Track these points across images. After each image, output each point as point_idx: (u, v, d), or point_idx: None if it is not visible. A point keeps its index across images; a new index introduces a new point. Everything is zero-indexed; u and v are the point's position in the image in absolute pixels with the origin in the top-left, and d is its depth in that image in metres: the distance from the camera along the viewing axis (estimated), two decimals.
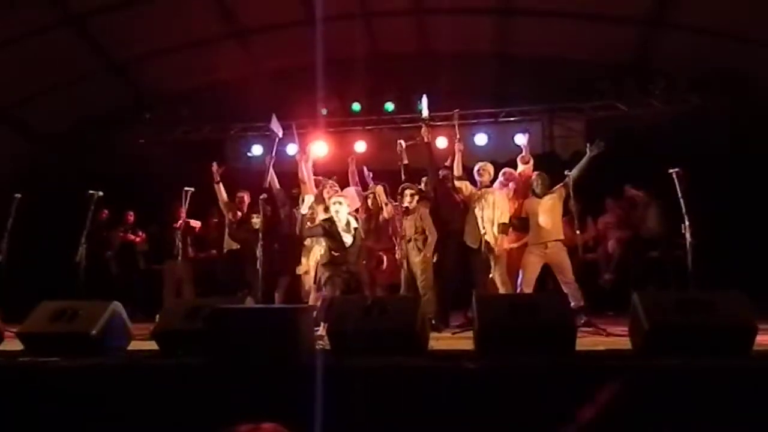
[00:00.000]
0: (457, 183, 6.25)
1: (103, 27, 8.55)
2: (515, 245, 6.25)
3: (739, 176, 7.87)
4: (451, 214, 6.28)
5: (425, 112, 6.49)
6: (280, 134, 6.58)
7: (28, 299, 4.57)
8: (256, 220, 6.40)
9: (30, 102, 9.19)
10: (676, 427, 2.93)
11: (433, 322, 5.59)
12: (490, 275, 6.08)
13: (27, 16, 7.83)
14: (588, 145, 6.06)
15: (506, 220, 6.06)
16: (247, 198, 7.06)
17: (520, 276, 6.00)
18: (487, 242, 6.04)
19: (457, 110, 6.80)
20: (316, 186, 6.47)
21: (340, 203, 5.91)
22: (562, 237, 6.01)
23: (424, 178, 6.68)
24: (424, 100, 6.49)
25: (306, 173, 6.57)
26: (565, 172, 6.06)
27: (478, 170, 6.35)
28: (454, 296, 6.32)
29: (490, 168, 6.40)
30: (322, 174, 6.87)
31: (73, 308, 4.24)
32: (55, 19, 8.12)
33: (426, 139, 6.40)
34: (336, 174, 7.09)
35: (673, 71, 8.81)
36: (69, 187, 7.89)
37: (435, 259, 6.18)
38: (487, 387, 3.15)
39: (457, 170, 6.24)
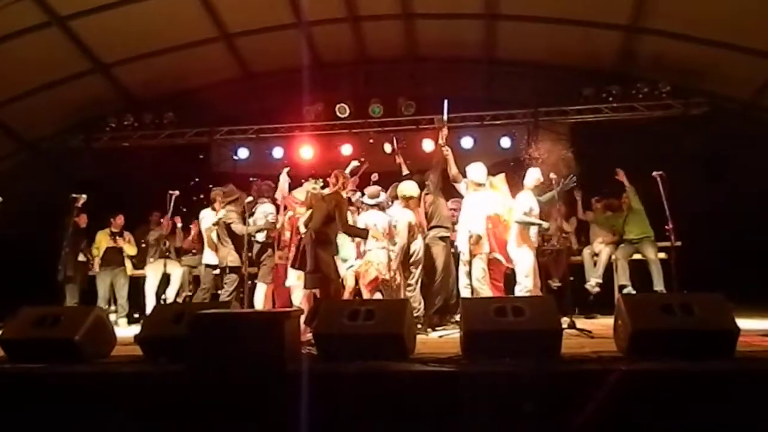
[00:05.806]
0: (455, 185, 6.37)
1: (88, 29, 8.45)
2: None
3: (721, 179, 7.96)
4: (444, 216, 6.45)
5: (446, 117, 6.63)
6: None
7: (10, 304, 4.50)
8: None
9: (13, 104, 9.06)
10: (659, 429, 2.96)
11: (419, 325, 5.61)
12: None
13: (11, 17, 7.72)
14: (561, 180, 6.08)
15: (480, 231, 5.92)
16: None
17: (535, 278, 5.93)
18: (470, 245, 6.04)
19: (437, 116, 6.86)
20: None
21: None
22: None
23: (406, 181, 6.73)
24: (446, 105, 6.59)
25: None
26: (551, 175, 6.12)
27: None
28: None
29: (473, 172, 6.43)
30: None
31: (55, 314, 4.19)
32: (39, 21, 8.01)
33: (442, 142, 6.46)
34: (322, 177, 7.08)
35: (656, 76, 8.91)
36: (53, 191, 7.79)
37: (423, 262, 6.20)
38: (473, 390, 3.15)
39: (451, 171, 6.31)
